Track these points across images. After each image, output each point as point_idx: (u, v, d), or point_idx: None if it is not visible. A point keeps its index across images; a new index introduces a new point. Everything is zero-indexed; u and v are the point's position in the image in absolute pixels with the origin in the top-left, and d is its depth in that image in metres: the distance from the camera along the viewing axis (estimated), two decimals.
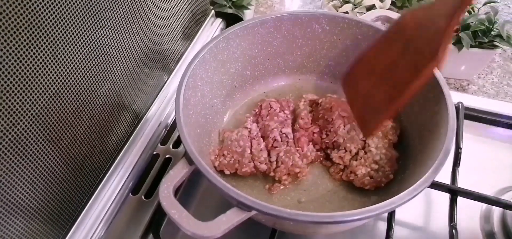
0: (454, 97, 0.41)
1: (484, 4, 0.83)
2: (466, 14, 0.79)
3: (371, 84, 0.42)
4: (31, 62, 0.33)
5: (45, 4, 0.34)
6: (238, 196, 0.33)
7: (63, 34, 0.36)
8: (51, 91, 0.36)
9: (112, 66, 0.45)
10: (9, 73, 0.31)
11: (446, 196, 0.44)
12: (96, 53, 0.41)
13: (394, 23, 0.41)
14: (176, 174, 0.36)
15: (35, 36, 0.33)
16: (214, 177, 0.35)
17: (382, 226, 0.43)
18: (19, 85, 0.33)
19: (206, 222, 0.32)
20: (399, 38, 0.40)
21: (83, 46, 0.39)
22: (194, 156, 0.36)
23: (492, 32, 0.77)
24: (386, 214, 0.42)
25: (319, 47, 0.54)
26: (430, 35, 0.35)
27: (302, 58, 0.55)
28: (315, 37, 0.53)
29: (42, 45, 0.34)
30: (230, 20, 0.72)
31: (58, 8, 0.35)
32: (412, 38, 0.38)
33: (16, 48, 0.32)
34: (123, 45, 0.46)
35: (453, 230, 0.40)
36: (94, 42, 0.41)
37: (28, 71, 0.33)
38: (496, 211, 0.45)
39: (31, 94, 0.34)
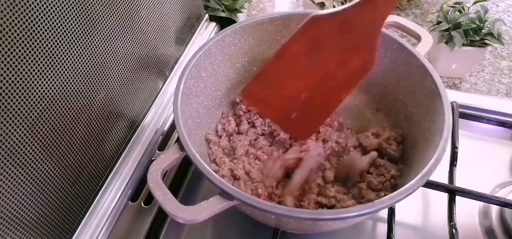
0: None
1: (474, 3, 0.84)
2: (457, 13, 0.80)
3: (303, 91, 0.42)
4: (26, 70, 0.33)
5: (39, 12, 0.33)
6: (221, 184, 0.34)
7: (58, 42, 0.36)
8: (47, 100, 0.36)
9: (107, 74, 0.44)
10: (4, 81, 0.31)
11: (444, 196, 0.44)
12: (92, 60, 0.41)
13: (301, 31, 0.38)
14: (166, 158, 0.38)
15: (30, 44, 0.33)
16: (202, 164, 0.36)
17: (383, 227, 0.44)
18: (14, 94, 0.32)
19: (188, 206, 0.33)
20: (316, 46, 0.39)
21: (78, 53, 0.39)
22: (185, 142, 0.37)
23: (483, 30, 0.78)
24: (386, 215, 0.43)
25: None
26: (362, 43, 0.36)
27: None
28: None
29: (37, 54, 0.34)
30: (224, 23, 0.72)
31: (53, 16, 0.35)
32: (337, 43, 0.38)
33: (11, 56, 0.31)
34: (118, 52, 0.45)
35: (453, 230, 0.41)
36: (89, 50, 0.40)
37: (23, 79, 0.33)
38: (495, 207, 0.46)
39: (26, 103, 0.34)
